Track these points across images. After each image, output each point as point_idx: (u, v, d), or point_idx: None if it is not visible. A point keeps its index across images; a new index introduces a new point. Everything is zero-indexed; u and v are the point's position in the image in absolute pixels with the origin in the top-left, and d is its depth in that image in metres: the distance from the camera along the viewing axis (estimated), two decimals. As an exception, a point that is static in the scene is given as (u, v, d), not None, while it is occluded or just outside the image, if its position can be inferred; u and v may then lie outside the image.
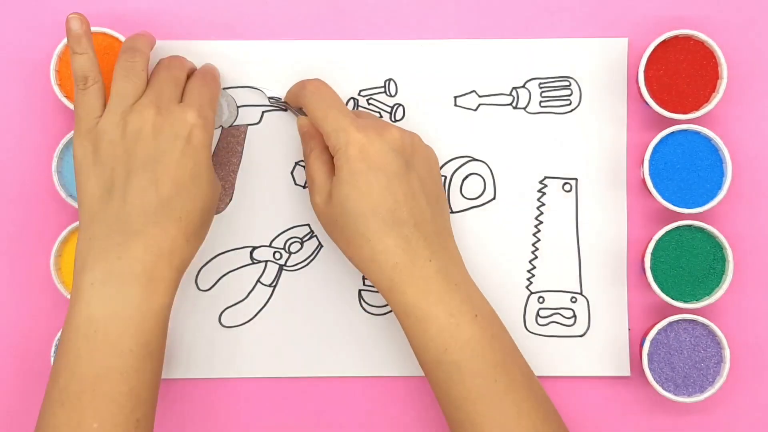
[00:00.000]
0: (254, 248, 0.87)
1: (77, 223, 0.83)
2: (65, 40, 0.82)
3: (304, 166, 0.86)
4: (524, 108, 0.87)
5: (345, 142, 0.77)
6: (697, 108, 0.83)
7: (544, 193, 0.87)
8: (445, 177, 0.87)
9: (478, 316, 0.77)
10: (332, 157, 0.79)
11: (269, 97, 0.86)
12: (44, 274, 0.84)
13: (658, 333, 0.83)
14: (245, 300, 0.87)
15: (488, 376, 0.76)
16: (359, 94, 0.87)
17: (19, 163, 0.86)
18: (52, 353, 0.83)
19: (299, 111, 0.84)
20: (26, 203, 0.86)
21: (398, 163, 0.77)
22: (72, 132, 0.82)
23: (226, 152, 0.86)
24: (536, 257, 0.87)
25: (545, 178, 0.87)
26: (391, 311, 0.86)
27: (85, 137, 0.76)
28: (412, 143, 0.80)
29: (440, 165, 0.86)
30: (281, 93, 0.86)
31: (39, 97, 0.86)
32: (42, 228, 0.86)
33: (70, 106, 0.83)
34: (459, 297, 0.77)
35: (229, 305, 0.87)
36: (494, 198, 0.87)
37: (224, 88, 0.86)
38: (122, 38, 0.83)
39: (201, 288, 0.87)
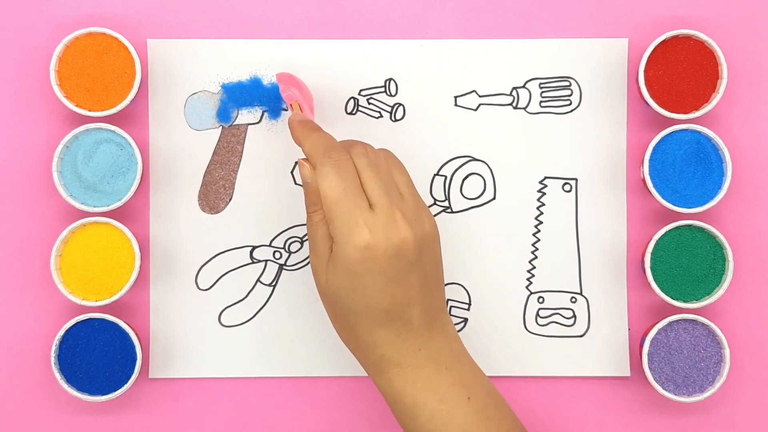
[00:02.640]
0: (254, 248, 0.86)
1: (77, 222, 0.83)
2: (65, 40, 0.82)
3: (304, 166, 0.86)
4: (524, 108, 0.86)
5: (348, 238, 0.71)
6: (697, 108, 0.83)
7: (544, 193, 0.86)
8: (445, 177, 0.86)
9: (471, 398, 0.74)
10: None
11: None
12: (44, 274, 0.84)
13: (658, 333, 0.83)
14: (245, 299, 0.86)
15: None
16: (359, 94, 0.86)
17: (20, 163, 0.86)
18: (52, 353, 0.83)
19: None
20: (27, 203, 0.86)
21: (401, 266, 0.72)
22: (72, 132, 0.82)
23: (226, 151, 0.86)
24: (536, 257, 0.86)
25: (545, 178, 0.86)
26: (390, 311, 0.86)
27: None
28: (422, 239, 0.73)
29: (440, 165, 0.86)
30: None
31: (39, 98, 0.85)
32: (42, 228, 0.85)
33: (70, 106, 0.83)
34: (450, 380, 0.74)
35: (228, 304, 0.86)
36: (494, 198, 0.87)
37: (224, 88, 0.85)
38: (122, 38, 0.83)
39: (201, 287, 0.86)
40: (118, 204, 0.83)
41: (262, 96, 0.86)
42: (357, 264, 0.71)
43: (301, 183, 0.86)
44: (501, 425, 0.74)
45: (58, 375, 0.83)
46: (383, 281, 0.72)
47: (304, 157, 0.76)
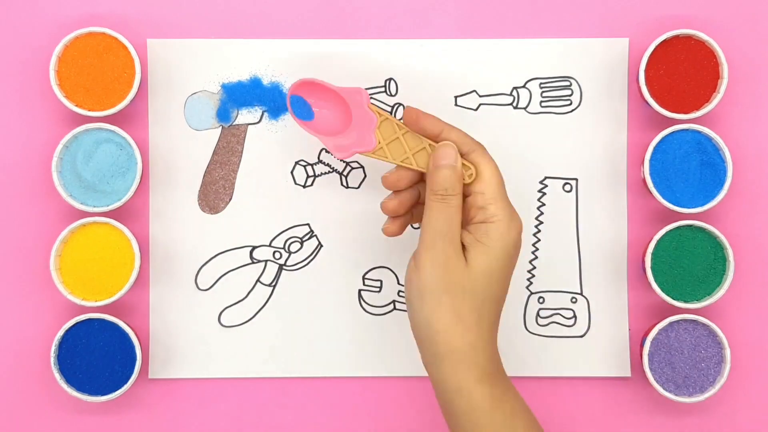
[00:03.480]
0: (254, 248, 0.86)
1: (77, 222, 0.82)
2: (64, 40, 0.82)
3: (304, 166, 0.85)
4: (525, 108, 0.86)
5: (511, 218, 0.72)
6: (697, 108, 0.83)
7: (544, 193, 0.86)
8: (445, 177, 0.86)
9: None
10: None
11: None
12: (44, 274, 0.83)
13: (658, 333, 0.83)
14: (245, 299, 0.86)
15: None
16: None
17: (20, 163, 0.85)
18: (51, 353, 0.82)
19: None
20: (26, 203, 0.85)
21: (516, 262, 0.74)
22: (72, 132, 0.82)
23: (226, 151, 0.85)
24: (536, 257, 0.86)
25: (545, 178, 0.86)
26: (390, 312, 0.86)
27: None
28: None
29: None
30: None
31: (39, 98, 0.85)
32: (42, 228, 0.85)
33: (70, 105, 0.82)
34: (516, 397, 0.73)
35: (228, 305, 0.86)
36: (494, 198, 0.86)
37: (224, 88, 0.85)
38: (122, 38, 0.82)
39: (201, 287, 0.86)
40: (118, 204, 0.82)
41: (262, 96, 0.85)
42: (513, 246, 0.72)
43: (301, 183, 0.85)
44: None
45: (57, 375, 0.82)
46: (511, 273, 0.73)
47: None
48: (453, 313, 0.70)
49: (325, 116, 0.77)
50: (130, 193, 0.82)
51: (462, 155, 0.74)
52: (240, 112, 0.85)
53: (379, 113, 0.75)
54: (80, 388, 0.83)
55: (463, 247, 0.72)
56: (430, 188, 0.73)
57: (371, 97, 0.85)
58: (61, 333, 0.82)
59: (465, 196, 0.73)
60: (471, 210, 0.73)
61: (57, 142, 0.82)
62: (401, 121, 0.75)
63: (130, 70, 0.82)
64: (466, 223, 0.73)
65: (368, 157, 0.76)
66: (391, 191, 0.77)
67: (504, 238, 0.71)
